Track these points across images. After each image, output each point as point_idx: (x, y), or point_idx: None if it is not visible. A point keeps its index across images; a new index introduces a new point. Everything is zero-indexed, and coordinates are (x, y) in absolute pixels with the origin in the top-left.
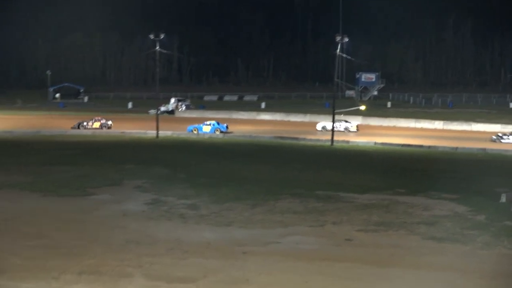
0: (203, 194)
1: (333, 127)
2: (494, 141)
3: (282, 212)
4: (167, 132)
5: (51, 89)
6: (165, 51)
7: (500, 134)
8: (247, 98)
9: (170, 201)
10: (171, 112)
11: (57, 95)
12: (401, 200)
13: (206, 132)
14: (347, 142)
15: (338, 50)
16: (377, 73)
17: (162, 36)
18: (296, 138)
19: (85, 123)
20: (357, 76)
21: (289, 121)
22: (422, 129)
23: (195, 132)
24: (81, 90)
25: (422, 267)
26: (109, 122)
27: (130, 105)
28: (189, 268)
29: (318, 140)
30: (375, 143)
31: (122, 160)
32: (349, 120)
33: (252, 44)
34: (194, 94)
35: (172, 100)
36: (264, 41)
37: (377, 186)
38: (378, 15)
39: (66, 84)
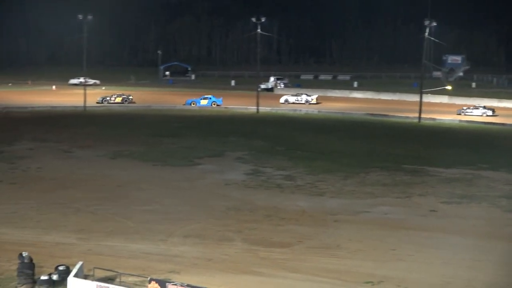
0: (298, 165)
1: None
2: (459, 114)
3: (371, 183)
4: (266, 108)
5: (161, 68)
6: (265, 34)
7: (464, 108)
8: (341, 77)
9: (268, 172)
10: (270, 89)
11: (167, 73)
12: (483, 175)
13: (203, 105)
14: (434, 119)
15: (426, 34)
16: (462, 56)
17: (263, 19)
18: (386, 115)
19: (108, 98)
20: (444, 58)
21: (379, 99)
22: (504, 108)
23: (193, 105)
24: (189, 69)
25: (502, 238)
26: (130, 97)
27: (233, 82)
28: (285, 234)
29: (406, 117)
30: (460, 121)
31: (225, 133)
32: (309, 94)
33: (346, 27)
34: (292, 73)
35: (271, 78)
36: (357, 24)
37: (461, 161)
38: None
39: (175, 63)
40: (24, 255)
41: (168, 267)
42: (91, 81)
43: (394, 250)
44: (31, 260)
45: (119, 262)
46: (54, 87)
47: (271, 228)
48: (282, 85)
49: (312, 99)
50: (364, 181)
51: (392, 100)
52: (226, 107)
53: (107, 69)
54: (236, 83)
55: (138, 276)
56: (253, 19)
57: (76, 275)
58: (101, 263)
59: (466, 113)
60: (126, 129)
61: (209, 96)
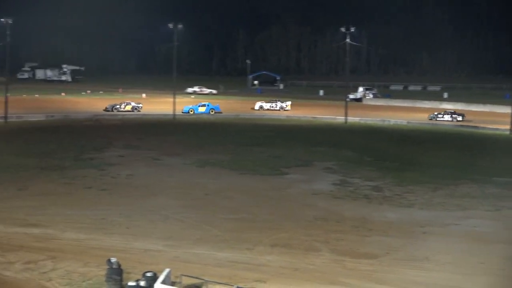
0: (386, 176)
1: None
2: (431, 119)
3: (461, 196)
4: (354, 118)
5: (250, 77)
6: (354, 43)
7: (436, 113)
8: (431, 88)
9: (356, 183)
10: (359, 99)
11: (256, 82)
12: None
13: (202, 112)
14: None
15: None
16: None
17: (352, 29)
18: (476, 127)
19: (117, 106)
20: None
21: (469, 111)
22: None
23: (191, 112)
24: (277, 78)
25: None
26: (140, 105)
27: (321, 92)
28: (373, 245)
29: (497, 129)
30: None
31: (313, 143)
32: (283, 101)
33: (436, 37)
34: (381, 84)
35: (360, 88)
36: (447, 34)
37: None
38: None
39: (264, 72)
40: (112, 260)
41: (254, 276)
42: (207, 90)
43: (483, 264)
44: (119, 266)
45: (205, 270)
46: (144, 95)
47: (358, 239)
48: (371, 95)
49: (286, 106)
50: (454, 193)
51: (483, 111)
52: (314, 117)
53: (196, 78)
54: (324, 93)
55: (225, 284)
56: (342, 29)
57: (163, 282)
58: (188, 270)
59: (438, 118)
60: (214, 138)
61: (207, 103)
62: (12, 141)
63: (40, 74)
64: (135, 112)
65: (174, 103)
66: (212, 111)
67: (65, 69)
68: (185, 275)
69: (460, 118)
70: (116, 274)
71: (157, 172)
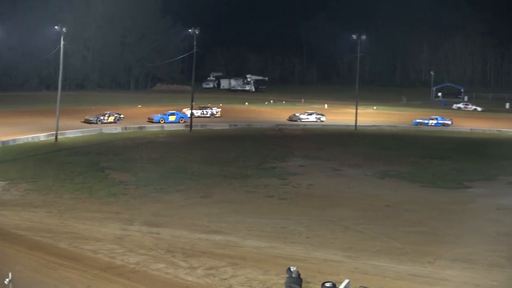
0: None
1: None
2: (295, 120)
3: None
4: None
5: (433, 88)
6: None
7: (297, 114)
8: None
9: None
10: None
11: (439, 94)
12: None
13: (172, 121)
14: None
15: None
16: None
17: None
18: None
19: (101, 117)
20: None
21: None
22: None
23: (162, 122)
24: (462, 90)
25: None
26: (121, 116)
27: (507, 105)
28: None
29: None
30: None
31: (497, 156)
32: (213, 107)
33: None
34: None
35: None
36: None
37: None
38: None
39: (448, 84)
40: (292, 269)
41: None
42: (472, 107)
43: None
44: (299, 275)
45: (384, 282)
46: (326, 105)
47: None
48: None
49: (217, 112)
50: None
51: None
52: (499, 130)
53: (378, 89)
54: (511, 106)
55: None
56: None
57: None
58: (367, 282)
59: (302, 119)
60: (395, 149)
61: (175, 111)
62: (196, 149)
63: (224, 83)
64: (118, 123)
65: (356, 114)
66: (181, 120)
67: (249, 79)
68: (364, 287)
69: (324, 119)
70: (296, 283)
71: (337, 183)
